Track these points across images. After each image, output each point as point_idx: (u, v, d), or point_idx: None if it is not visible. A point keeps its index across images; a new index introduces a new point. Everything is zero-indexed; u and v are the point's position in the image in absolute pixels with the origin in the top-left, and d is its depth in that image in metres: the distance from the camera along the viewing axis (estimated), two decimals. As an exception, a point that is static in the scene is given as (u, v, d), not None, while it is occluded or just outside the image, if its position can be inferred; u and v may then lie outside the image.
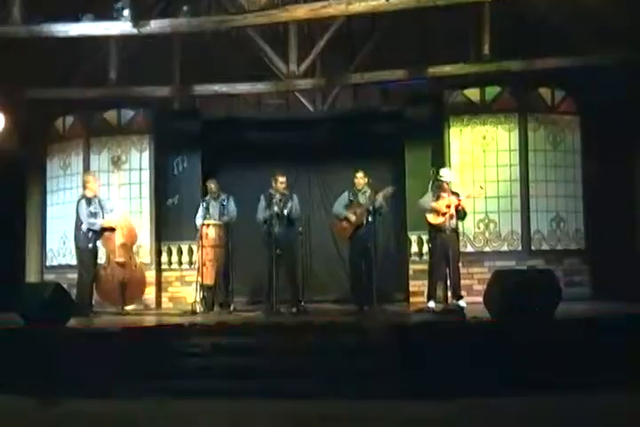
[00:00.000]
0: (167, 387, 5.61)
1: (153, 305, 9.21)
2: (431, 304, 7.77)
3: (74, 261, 8.71)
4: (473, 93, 9.09)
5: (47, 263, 9.85)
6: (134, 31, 7.64)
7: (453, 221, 7.74)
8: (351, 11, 7.49)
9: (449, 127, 9.07)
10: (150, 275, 9.18)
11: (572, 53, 8.28)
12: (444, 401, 5.12)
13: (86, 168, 9.42)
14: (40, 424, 5.03)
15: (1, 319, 7.04)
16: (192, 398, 5.38)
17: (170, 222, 9.44)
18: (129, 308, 8.50)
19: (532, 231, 8.89)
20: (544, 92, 9.16)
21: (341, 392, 5.39)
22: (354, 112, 9.91)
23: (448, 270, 7.75)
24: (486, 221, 8.90)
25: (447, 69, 8.51)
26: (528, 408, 5.05)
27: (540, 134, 9.07)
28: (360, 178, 8.16)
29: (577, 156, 9.23)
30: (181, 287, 9.35)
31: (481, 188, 8.13)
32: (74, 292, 7.93)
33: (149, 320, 8.03)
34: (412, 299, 8.86)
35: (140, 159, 9.48)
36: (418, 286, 8.74)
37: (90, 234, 8.11)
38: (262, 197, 8.12)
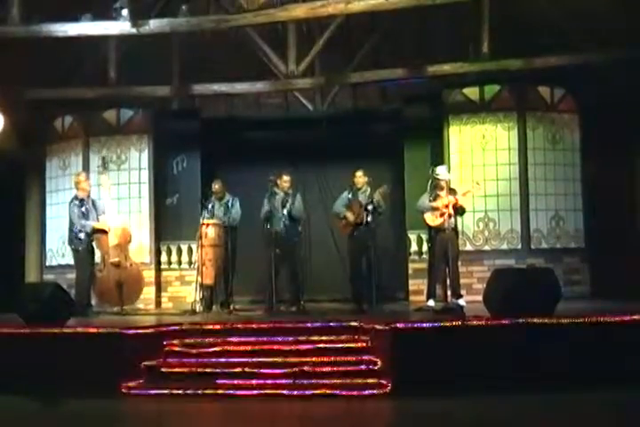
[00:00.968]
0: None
1: (152, 305, 9.20)
2: (431, 303, 7.77)
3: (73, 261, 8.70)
4: (472, 92, 9.09)
5: (47, 263, 9.84)
6: (133, 31, 7.62)
7: (452, 221, 7.72)
8: (350, 10, 7.48)
9: (448, 126, 9.07)
10: (150, 275, 9.18)
11: (571, 52, 8.30)
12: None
13: (86, 168, 9.41)
14: (40, 424, 5.04)
15: (1, 319, 7.04)
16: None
17: (169, 222, 9.45)
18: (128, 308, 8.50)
19: (531, 230, 8.89)
20: (543, 90, 9.16)
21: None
22: (353, 111, 9.93)
23: (448, 269, 7.75)
24: (486, 219, 8.90)
25: (446, 68, 8.51)
26: (528, 406, 5.07)
27: (539, 133, 9.08)
28: (359, 177, 8.15)
29: (576, 154, 9.24)
30: (181, 287, 9.34)
31: (477, 184, 8.11)
32: (73, 292, 7.91)
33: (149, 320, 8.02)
34: (411, 298, 8.87)
35: (139, 159, 9.48)
36: (417, 284, 8.76)
37: (82, 235, 8.07)
38: (266, 196, 8.12)
